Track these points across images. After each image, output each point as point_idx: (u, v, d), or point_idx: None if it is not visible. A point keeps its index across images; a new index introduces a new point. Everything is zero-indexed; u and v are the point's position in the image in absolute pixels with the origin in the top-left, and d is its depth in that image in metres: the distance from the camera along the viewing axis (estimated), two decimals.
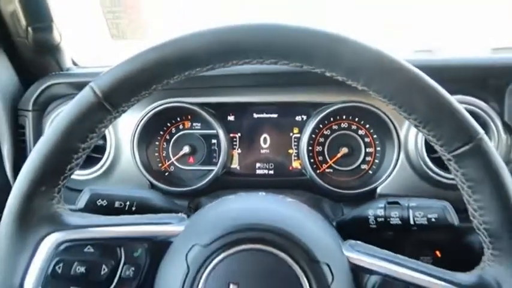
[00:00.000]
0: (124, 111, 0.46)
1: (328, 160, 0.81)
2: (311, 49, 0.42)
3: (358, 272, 0.45)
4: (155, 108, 0.78)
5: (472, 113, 0.70)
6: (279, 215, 0.46)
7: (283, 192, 0.80)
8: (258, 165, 0.85)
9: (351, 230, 0.63)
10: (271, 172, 0.84)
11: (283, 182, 0.83)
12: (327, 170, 0.82)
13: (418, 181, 0.73)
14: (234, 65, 0.45)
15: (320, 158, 0.82)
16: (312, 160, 0.81)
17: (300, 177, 0.82)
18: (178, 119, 0.85)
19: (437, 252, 0.70)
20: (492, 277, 0.41)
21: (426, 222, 0.57)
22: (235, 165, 0.85)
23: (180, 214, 0.51)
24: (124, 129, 0.80)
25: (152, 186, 0.80)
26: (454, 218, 0.56)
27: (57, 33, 0.82)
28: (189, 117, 0.85)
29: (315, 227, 0.47)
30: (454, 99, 0.42)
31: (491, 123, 0.70)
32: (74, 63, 0.94)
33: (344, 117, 0.81)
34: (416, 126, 0.43)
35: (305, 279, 0.41)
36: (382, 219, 0.60)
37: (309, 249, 0.43)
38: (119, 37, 1.02)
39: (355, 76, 0.43)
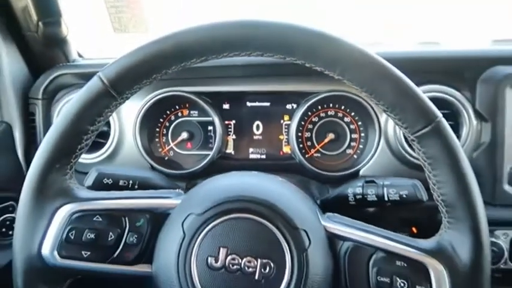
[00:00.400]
0: (128, 98, 0.52)
1: (316, 145, 0.88)
2: (292, 43, 0.48)
3: (333, 239, 0.51)
4: (155, 96, 0.85)
5: (446, 101, 0.77)
6: (264, 189, 0.53)
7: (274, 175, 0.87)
8: (251, 150, 0.91)
9: (334, 206, 0.69)
10: (264, 156, 0.91)
11: (275, 165, 0.89)
12: (315, 155, 0.88)
13: (396, 163, 0.80)
14: (225, 57, 0.51)
15: (309, 143, 0.88)
16: (301, 145, 0.87)
17: (290, 161, 0.88)
18: (177, 107, 0.91)
19: (414, 229, 0.77)
20: (448, 242, 0.48)
21: (398, 198, 0.63)
22: (230, 150, 0.91)
23: (177, 190, 0.58)
24: (127, 116, 0.86)
25: (153, 169, 0.86)
26: (423, 195, 0.62)
27: (65, 27, 0.88)
28: (187, 105, 0.91)
29: (295, 199, 0.53)
30: (416, 87, 0.48)
31: (464, 111, 0.76)
32: (80, 55, 1.00)
33: (331, 105, 0.87)
34: (385, 111, 0.49)
35: (285, 243, 0.48)
36: (360, 196, 0.66)
37: (289, 218, 0.49)
38: (121, 31, 1.07)
39: (331, 67, 0.49)
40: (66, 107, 0.51)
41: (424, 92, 0.75)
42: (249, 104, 0.91)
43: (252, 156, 0.91)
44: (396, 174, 0.78)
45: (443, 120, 0.47)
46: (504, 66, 0.73)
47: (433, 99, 0.75)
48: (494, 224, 0.70)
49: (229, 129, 0.91)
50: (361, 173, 0.81)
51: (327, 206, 0.70)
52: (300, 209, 0.51)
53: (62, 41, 0.90)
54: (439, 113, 0.47)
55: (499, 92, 0.71)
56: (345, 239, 0.51)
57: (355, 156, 0.86)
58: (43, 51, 0.89)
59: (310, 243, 0.48)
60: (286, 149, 0.89)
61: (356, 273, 0.49)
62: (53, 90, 0.89)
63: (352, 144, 0.87)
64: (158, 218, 0.53)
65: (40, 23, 0.83)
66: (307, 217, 0.51)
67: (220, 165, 0.89)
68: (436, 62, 0.78)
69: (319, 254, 0.49)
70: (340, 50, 0.48)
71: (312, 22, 0.50)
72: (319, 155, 0.88)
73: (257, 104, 0.91)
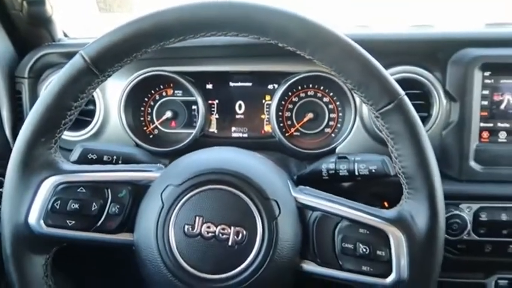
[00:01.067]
0: (109, 76, 0.55)
1: (296, 124, 0.91)
2: (266, 24, 0.51)
3: (303, 209, 0.55)
4: (140, 76, 0.87)
5: (418, 81, 0.80)
6: (238, 162, 0.56)
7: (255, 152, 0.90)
8: (233, 129, 0.94)
9: (309, 181, 0.72)
10: (246, 135, 0.94)
11: (256, 143, 0.92)
12: (295, 133, 0.91)
13: (370, 141, 0.83)
14: (202, 37, 0.53)
15: (289, 122, 0.91)
16: (281, 124, 0.90)
17: (271, 139, 0.91)
18: (162, 86, 0.93)
19: (385, 203, 0.81)
20: (407, 211, 0.51)
21: (368, 173, 0.67)
22: (213, 128, 0.94)
23: (158, 164, 0.61)
24: (112, 95, 0.88)
25: (137, 146, 0.89)
26: (390, 169, 0.66)
27: (49, 7, 0.89)
28: (171, 85, 0.93)
29: (268, 172, 0.57)
30: (381, 66, 0.51)
31: (434, 91, 0.79)
32: (65, 35, 1.01)
33: (311, 85, 0.90)
34: (352, 89, 0.52)
35: (257, 212, 0.51)
36: (333, 171, 0.70)
37: (261, 189, 0.52)
38: (106, 10, 1.08)
39: (302, 47, 0.52)
40: (50, 84, 0.54)
41: (397, 73, 0.80)
42: (231, 84, 0.93)
43: (234, 134, 0.94)
44: (370, 151, 0.82)
45: (406, 98, 0.50)
46: (473, 48, 0.76)
47: (406, 80, 0.80)
48: (460, 198, 0.75)
49: (213, 109, 0.94)
50: (337, 150, 0.85)
51: (303, 181, 0.73)
52: (272, 181, 0.55)
53: (47, 21, 0.91)
54: (401, 91, 0.50)
55: (468, 73, 0.75)
56: (313, 209, 0.55)
57: (333, 134, 0.90)
58: (28, 31, 0.90)
59: (280, 212, 0.52)
60: (267, 128, 0.92)
61: (323, 240, 0.53)
62: (39, 69, 0.90)
63: (331, 123, 0.90)
64: (140, 190, 0.56)
65: (24, 2, 0.85)
66: (278, 189, 0.54)
67: (204, 143, 0.91)
68: (409, 43, 0.81)
69: (289, 222, 0.53)
70: (310, 31, 0.51)
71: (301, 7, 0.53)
72: (298, 133, 0.91)
73: (240, 84, 0.93)
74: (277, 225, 0.51)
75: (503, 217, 0.73)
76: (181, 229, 0.51)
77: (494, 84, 0.77)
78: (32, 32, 0.91)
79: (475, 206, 0.74)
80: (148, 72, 0.87)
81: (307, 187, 0.58)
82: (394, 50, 0.81)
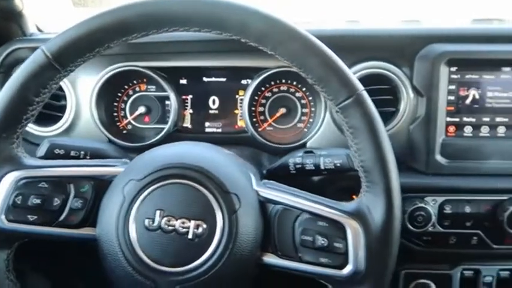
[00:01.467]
0: (72, 71, 0.55)
1: (269, 119, 0.91)
2: (227, 19, 0.51)
3: (264, 203, 0.56)
4: (111, 71, 0.86)
5: (386, 77, 0.81)
6: (200, 157, 0.56)
7: (228, 147, 0.91)
8: (207, 124, 0.94)
9: (278, 176, 0.73)
10: (219, 130, 0.94)
11: (229, 138, 0.93)
12: (268, 128, 0.92)
13: (340, 135, 0.84)
14: (165, 32, 0.54)
15: (262, 117, 0.92)
16: (254, 119, 0.91)
17: (244, 134, 0.91)
18: (135, 82, 0.93)
19: (354, 197, 0.82)
20: (365, 204, 0.52)
21: (333, 167, 0.68)
22: (187, 124, 0.94)
23: (124, 160, 0.62)
24: (83, 90, 0.88)
25: (110, 142, 0.89)
26: (355, 163, 0.67)
27: (20, 1, 0.88)
28: (145, 80, 0.93)
29: (230, 167, 0.57)
30: (341, 61, 0.51)
31: (402, 87, 0.80)
32: (39, 29, 1.00)
33: (283, 81, 0.91)
34: (313, 84, 0.53)
35: (217, 205, 0.52)
36: (300, 165, 0.71)
37: (221, 183, 0.53)
38: (80, 5, 1.08)
39: (263, 43, 0.52)
40: (10, 79, 0.54)
41: (366, 68, 0.81)
42: (205, 79, 0.93)
43: (208, 129, 0.94)
44: (340, 145, 0.83)
45: (365, 93, 0.51)
46: (440, 44, 0.78)
47: (374, 75, 0.81)
48: (426, 191, 0.76)
49: (186, 104, 0.94)
50: (308, 145, 0.86)
51: (272, 175, 0.74)
52: (233, 175, 0.56)
53: (17, 15, 0.90)
54: (360, 86, 0.51)
55: (434, 69, 0.76)
56: (275, 202, 0.55)
57: (305, 129, 0.91)
58: None
59: (240, 205, 0.53)
60: (240, 123, 0.93)
61: (283, 233, 0.54)
62: (10, 64, 0.90)
63: (303, 118, 0.91)
64: (103, 185, 0.57)
65: None
66: (239, 182, 0.55)
67: (177, 138, 0.91)
68: (378, 39, 0.82)
69: (249, 215, 0.53)
70: (270, 26, 0.51)
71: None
72: (271, 128, 0.92)
73: (214, 79, 0.93)
74: (237, 219, 0.52)
75: (467, 209, 0.75)
76: (142, 223, 0.51)
77: (460, 80, 0.78)
78: (1, 26, 0.90)
79: (440, 199, 0.75)
80: (120, 67, 0.87)
81: (272, 181, 0.59)
82: (363, 46, 0.82)
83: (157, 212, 0.52)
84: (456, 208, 0.75)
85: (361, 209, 0.52)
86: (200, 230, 0.51)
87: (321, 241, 0.52)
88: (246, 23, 0.51)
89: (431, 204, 0.75)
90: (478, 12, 1.03)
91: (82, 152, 0.71)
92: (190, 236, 0.51)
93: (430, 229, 0.75)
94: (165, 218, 0.51)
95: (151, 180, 0.53)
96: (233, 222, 0.52)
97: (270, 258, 0.54)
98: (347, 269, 0.51)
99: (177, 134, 0.92)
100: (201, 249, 0.51)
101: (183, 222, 0.51)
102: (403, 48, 0.80)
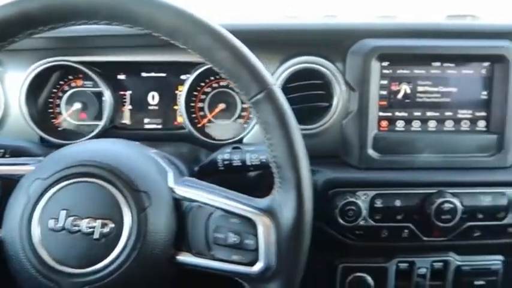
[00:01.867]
0: None
1: (208, 115, 0.90)
2: (135, 12, 0.50)
3: (179, 201, 0.55)
4: (40, 66, 0.84)
5: (319, 72, 0.81)
6: (110, 154, 0.55)
7: (168, 144, 0.89)
8: (146, 120, 0.92)
9: (208, 172, 0.73)
10: (159, 126, 0.92)
11: (168, 135, 0.91)
12: (207, 124, 0.91)
13: None
14: (73, 25, 0.52)
15: (201, 113, 0.91)
16: (193, 115, 0.90)
17: (183, 130, 0.90)
18: (71, 77, 0.91)
19: None
20: (277, 200, 0.52)
21: (259, 163, 0.67)
22: (126, 120, 0.92)
23: (39, 158, 0.59)
24: (12, 86, 0.85)
25: (42, 139, 0.86)
26: None
27: None
28: (81, 76, 0.91)
29: (142, 164, 0.56)
30: (252, 56, 0.51)
31: (335, 81, 0.80)
32: None
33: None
34: (226, 79, 0.52)
35: (125, 204, 0.51)
36: (228, 161, 0.70)
37: (130, 181, 0.52)
38: None
39: (175, 37, 0.51)
40: None
41: (299, 63, 0.81)
42: (144, 74, 0.92)
43: (147, 126, 0.92)
44: None
45: (276, 88, 0.51)
46: (371, 39, 0.78)
47: (308, 70, 0.80)
48: (357, 185, 0.76)
49: (124, 100, 0.92)
50: (244, 140, 0.85)
51: (202, 172, 0.73)
52: (144, 173, 0.54)
53: None
54: (272, 81, 0.50)
55: (366, 64, 0.76)
56: (190, 200, 0.54)
57: (245, 125, 0.90)
58: None
59: (150, 203, 0.52)
60: (180, 119, 0.91)
61: (197, 231, 0.53)
62: None
63: (243, 113, 0.90)
64: (14, 184, 0.55)
65: None
66: (151, 180, 0.54)
67: (115, 135, 0.89)
68: (310, 34, 0.82)
69: (161, 213, 0.52)
70: (179, 20, 0.50)
71: None
72: (211, 124, 0.91)
73: (153, 74, 0.92)
74: (147, 217, 0.51)
75: (397, 203, 0.75)
76: (46, 224, 0.50)
77: (392, 74, 0.79)
78: None
79: (372, 193, 0.76)
80: (49, 62, 0.84)
81: (192, 178, 0.58)
82: (296, 40, 0.82)
83: (62, 212, 0.50)
84: (387, 202, 0.76)
85: (273, 205, 0.52)
86: (107, 229, 0.50)
87: (233, 238, 0.52)
88: (155, 16, 0.50)
89: (362, 199, 0.75)
90: (453, 9, 1.03)
91: (1, 151, 0.68)
92: (96, 235, 0.49)
93: (361, 223, 0.75)
94: (71, 218, 0.50)
95: (57, 179, 0.51)
96: (142, 220, 0.50)
97: (184, 257, 0.53)
98: (257, 266, 0.51)
99: (114, 131, 0.90)
100: (108, 249, 0.49)
101: (89, 222, 0.50)
102: (336, 43, 0.80)
